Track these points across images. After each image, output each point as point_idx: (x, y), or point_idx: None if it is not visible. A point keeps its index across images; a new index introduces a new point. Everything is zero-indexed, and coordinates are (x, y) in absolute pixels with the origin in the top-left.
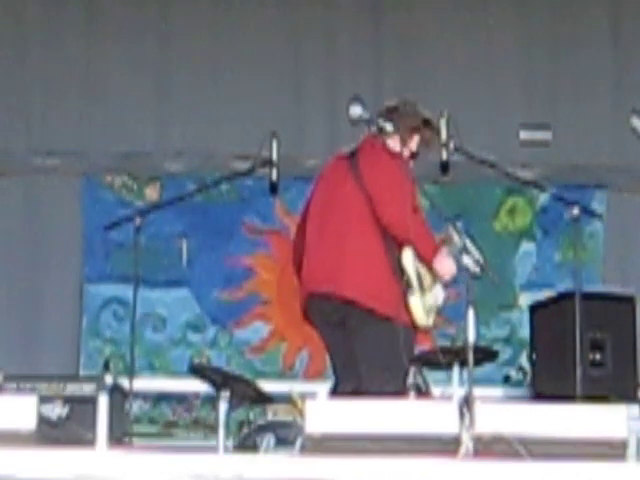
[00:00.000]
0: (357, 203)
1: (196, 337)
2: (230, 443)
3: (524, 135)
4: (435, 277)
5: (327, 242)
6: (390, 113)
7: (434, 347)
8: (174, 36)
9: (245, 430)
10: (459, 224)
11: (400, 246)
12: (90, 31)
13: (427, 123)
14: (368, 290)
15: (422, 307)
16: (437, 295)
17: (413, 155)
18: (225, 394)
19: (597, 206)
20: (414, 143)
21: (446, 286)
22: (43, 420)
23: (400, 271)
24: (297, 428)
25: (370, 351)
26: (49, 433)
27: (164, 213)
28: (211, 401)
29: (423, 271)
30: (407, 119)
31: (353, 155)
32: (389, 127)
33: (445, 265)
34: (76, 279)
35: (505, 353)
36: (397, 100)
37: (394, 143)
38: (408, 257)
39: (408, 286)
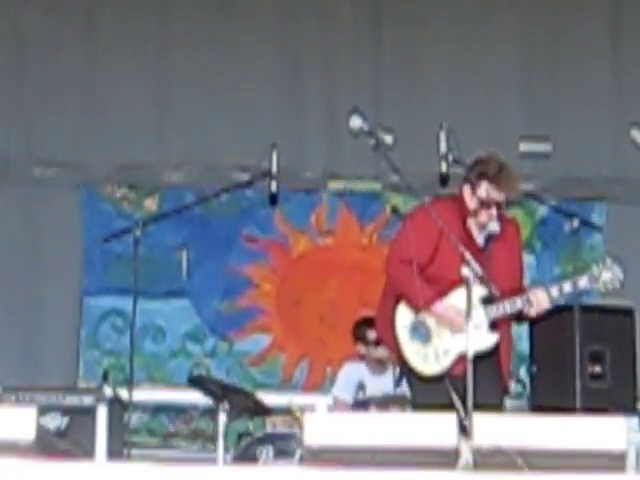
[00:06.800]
0: None
1: (196, 348)
2: (229, 455)
3: (524, 147)
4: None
5: None
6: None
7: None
8: (173, 48)
9: (244, 442)
10: None
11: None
12: (90, 43)
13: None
14: None
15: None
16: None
17: (484, 203)
18: (224, 406)
19: (597, 218)
20: (483, 190)
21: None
22: (42, 431)
23: None
24: (296, 440)
25: None
26: (48, 444)
27: (164, 224)
28: (210, 412)
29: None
30: (477, 166)
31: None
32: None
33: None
34: (75, 291)
35: None
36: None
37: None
38: None
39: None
